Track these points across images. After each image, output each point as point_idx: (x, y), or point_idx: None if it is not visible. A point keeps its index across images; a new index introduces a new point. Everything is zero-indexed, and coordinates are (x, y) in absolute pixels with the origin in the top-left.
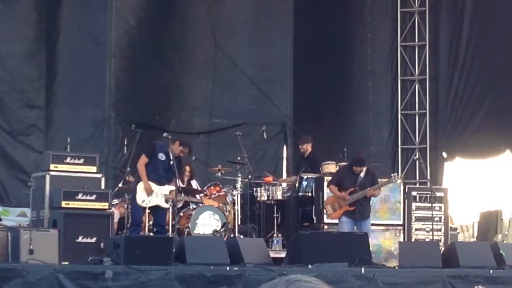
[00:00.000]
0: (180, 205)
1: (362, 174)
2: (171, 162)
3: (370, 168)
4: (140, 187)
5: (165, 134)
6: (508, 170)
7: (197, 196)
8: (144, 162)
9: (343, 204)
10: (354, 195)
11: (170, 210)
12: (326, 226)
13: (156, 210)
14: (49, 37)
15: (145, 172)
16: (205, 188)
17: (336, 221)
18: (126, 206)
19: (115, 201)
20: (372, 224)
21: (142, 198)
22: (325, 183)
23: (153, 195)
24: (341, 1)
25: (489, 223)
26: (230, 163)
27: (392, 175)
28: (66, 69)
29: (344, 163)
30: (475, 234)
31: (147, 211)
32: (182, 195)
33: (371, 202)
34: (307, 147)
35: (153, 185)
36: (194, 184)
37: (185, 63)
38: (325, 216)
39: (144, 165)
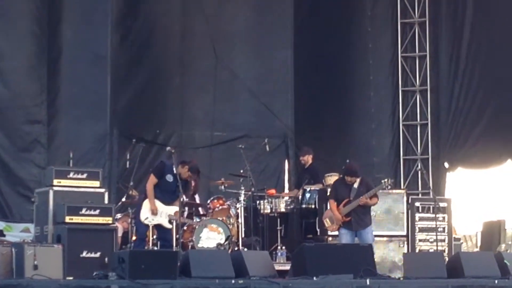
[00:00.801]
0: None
1: (356, 185)
2: (178, 184)
3: (364, 178)
4: (146, 204)
5: (168, 148)
6: (510, 180)
7: (200, 209)
8: (153, 183)
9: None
10: (347, 206)
11: (174, 223)
12: (330, 238)
13: (159, 228)
14: (50, 52)
15: (153, 194)
16: (208, 202)
17: None
18: (129, 220)
19: (118, 215)
20: (376, 235)
21: (145, 215)
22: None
23: (157, 214)
24: (341, 12)
25: (492, 233)
26: (232, 176)
27: (382, 181)
28: (67, 84)
29: None
30: (479, 244)
31: (151, 226)
32: (186, 214)
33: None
34: (308, 159)
35: (159, 204)
36: (198, 199)
37: (186, 77)
38: None
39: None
